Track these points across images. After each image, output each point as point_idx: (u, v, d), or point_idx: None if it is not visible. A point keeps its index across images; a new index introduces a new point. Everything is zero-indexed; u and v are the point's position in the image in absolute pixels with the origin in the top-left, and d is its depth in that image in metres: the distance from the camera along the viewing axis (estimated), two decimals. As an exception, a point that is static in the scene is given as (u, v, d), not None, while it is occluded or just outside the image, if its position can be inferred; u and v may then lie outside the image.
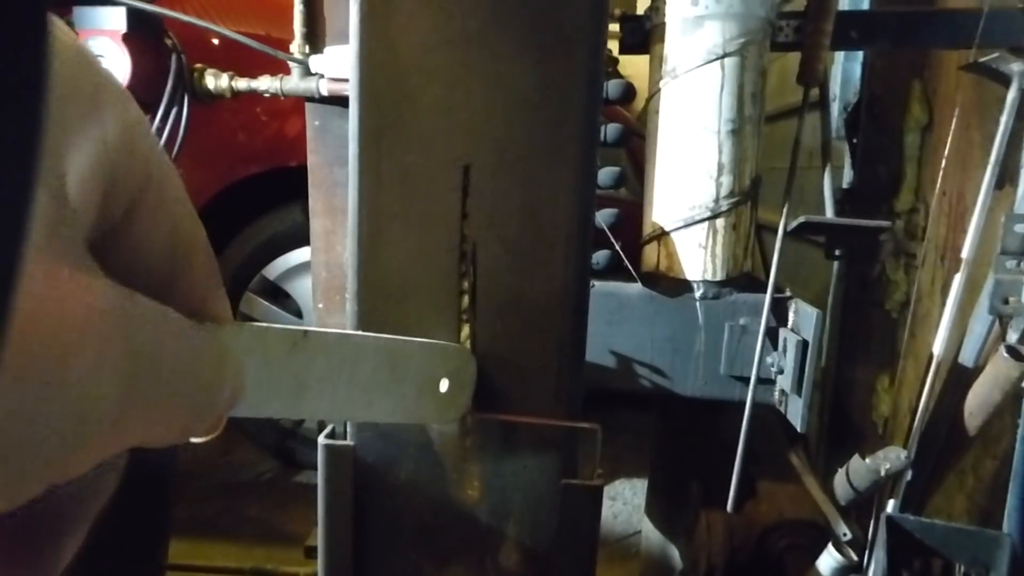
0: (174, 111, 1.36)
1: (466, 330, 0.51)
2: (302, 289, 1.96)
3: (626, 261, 1.01)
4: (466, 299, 0.50)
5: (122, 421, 0.16)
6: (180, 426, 0.19)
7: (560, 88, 0.49)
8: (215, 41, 1.77)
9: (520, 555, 0.48)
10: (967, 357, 0.99)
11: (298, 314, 1.99)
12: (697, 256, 0.98)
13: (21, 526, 0.16)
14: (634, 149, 1.92)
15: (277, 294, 2.00)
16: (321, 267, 1.52)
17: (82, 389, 0.14)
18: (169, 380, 0.18)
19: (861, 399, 1.53)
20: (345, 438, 0.51)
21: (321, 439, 0.50)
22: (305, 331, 0.25)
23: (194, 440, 0.24)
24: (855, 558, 0.95)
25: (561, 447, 0.49)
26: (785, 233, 0.96)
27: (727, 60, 0.94)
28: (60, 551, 0.19)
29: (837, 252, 1.40)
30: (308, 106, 1.47)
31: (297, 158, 1.91)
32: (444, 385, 0.30)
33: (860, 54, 1.50)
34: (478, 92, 0.49)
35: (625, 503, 1.96)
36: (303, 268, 1.95)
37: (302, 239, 1.91)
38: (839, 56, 1.54)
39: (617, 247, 0.98)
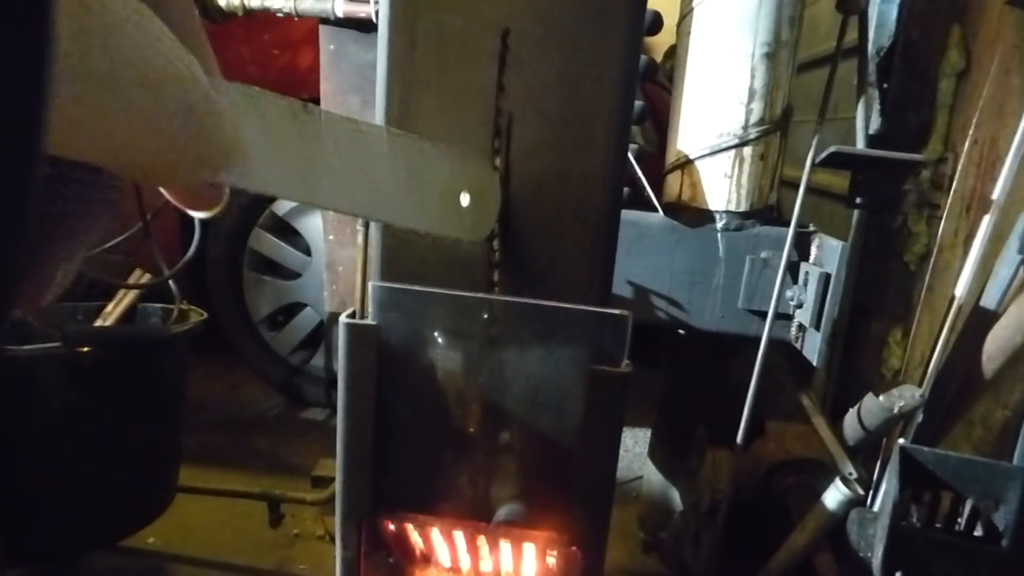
0: (186, 28, 1.32)
1: (496, 211, 0.49)
2: (311, 226, 1.95)
3: (648, 190, 0.99)
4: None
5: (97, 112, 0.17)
6: (163, 141, 0.19)
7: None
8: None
9: (545, 440, 0.48)
10: (990, 300, 0.98)
11: (307, 251, 1.98)
12: (722, 185, 0.96)
13: None
14: (652, 96, 1.87)
15: (286, 231, 1.98)
16: (333, 198, 1.50)
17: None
18: (147, 76, 0.19)
19: (872, 352, 1.53)
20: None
21: (343, 318, 0.49)
22: (305, 104, 0.25)
23: (197, 214, 0.24)
24: (861, 492, 0.95)
25: (590, 333, 0.48)
26: (813, 164, 0.93)
27: (766, -22, 0.90)
28: (52, 269, 0.20)
29: (859, 200, 1.38)
30: (322, 29, 1.42)
31: (309, 91, 1.87)
32: (465, 199, 0.30)
33: (897, -3, 1.44)
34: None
35: (626, 451, 1.98)
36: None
37: (313, 175, 1.88)
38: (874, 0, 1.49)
39: (639, 174, 0.96)
